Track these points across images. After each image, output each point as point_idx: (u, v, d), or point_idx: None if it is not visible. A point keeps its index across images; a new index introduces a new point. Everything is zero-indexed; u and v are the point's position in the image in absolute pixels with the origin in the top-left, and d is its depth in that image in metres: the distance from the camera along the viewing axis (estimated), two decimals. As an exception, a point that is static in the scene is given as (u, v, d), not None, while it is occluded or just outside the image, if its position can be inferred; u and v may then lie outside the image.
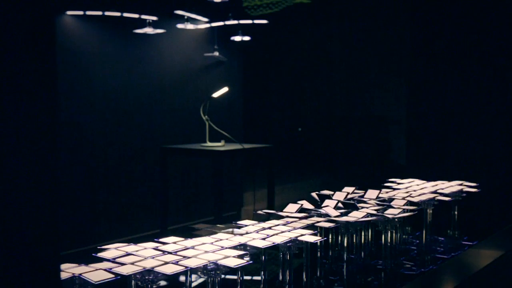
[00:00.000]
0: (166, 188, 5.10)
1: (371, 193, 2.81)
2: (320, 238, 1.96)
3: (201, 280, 2.06)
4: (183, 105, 6.11)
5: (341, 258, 2.46)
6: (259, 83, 10.55)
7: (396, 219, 2.34)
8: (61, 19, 5.11)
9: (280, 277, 2.03)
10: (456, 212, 3.01)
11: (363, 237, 2.48)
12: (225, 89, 5.27)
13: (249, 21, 6.32)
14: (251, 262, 1.76)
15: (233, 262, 1.68)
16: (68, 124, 5.06)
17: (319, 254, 2.24)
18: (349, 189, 2.94)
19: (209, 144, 5.10)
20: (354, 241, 2.44)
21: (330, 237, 2.37)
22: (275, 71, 10.54)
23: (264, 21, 6.45)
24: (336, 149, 9.40)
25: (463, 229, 3.19)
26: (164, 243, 1.88)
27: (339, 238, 2.49)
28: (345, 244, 2.22)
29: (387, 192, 2.86)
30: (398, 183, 3.18)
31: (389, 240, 2.48)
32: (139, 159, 5.65)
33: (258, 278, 2.22)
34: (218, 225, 2.10)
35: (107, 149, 5.37)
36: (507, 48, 7.55)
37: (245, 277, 2.09)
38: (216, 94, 5.19)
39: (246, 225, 2.14)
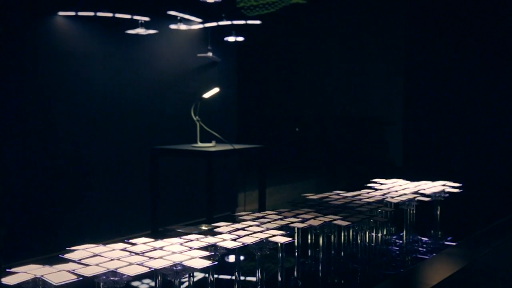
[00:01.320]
0: (157, 189, 5.10)
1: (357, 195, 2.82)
2: (291, 239, 1.95)
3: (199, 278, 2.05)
4: (176, 106, 6.11)
5: (323, 258, 2.45)
6: (254, 83, 10.54)
7: (371, 220, 2.33)
8: (52, 19, 5.11)
9: (258, 278, 2.03)
10: (438, 212, 3.00)
11: (342, 237, 2.47)
12: (216, 90, 5.26)
13: (243, 22, 6.32)
14: (216, 263, 1.75)
15: (199, 263, 1.67)
16: (59, 125, 5.06)
17: (296, 254, 2.23)
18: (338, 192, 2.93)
19: (200, 144, 5.10)
20: (332, 241, 2.43)
21: (309, 237, 2.36)
22: (271, 71, 10.53)
23: (258, 22, 6.44)
24: (332, 149, 9.39)
25: (448, 229, 3.18)
26: (133, 244, 1.87)
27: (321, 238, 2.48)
28: (321, 244, 2.21)
29: (368, 193, 2.85)
30: (381, 184, 3.17)
31: (367, 240, 2.47)
32: (131, 159, 5.64)
33: (253, 278, 2.22)
34: (198, 226, 2.09)
35: (98, 150, 5.37)
36: (505, 48, 7.52)
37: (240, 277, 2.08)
38: (207, 95, 5.19)
39: (220, 226, 2.13)
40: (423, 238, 3.09)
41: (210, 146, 5.03)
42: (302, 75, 10.19)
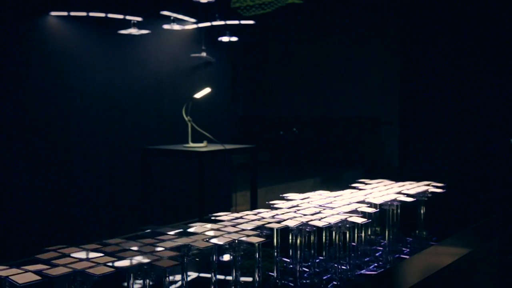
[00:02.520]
0: (149, 189, 5.10)
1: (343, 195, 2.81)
2: (264, 239, 1.94)
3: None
4: (169, 106, 6.11)
5: (304, 259, 2.44)
6: (252, 83, 10.55)
7: (347, 225, 2.33)
8: (44, 20, 5.12)
9: (233, 278, 2.02)
10: (422, 212, 2.99)
11: (323, 237, 2.46)
12: (207, 90, 5.26)
13: (236, 22, 6.32)
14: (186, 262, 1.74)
15: (166, 264, 1.67)
16: (51, 125, 5.06)
17: (275, 254, 2.22)
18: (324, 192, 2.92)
19: (191, 144, 5.10)
20: (312, 241, 2.42)
21: (290, 237, 2.35)
22: (269, 71, 10.52)
23: (251, 22, 6.44)
24: (329, 149, 9.38)
25: (435, 229, 3.17)
26: (106, 245, 1.87)
27: (304, 238, 2.47)
28: (298, 245, 2.20)
29: (351, 193, 2.84)
30: (366, 184, 3.17)
31: (348, 240, 2.46)
32: (124, 159, 5.65)
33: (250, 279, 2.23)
34: (170, 227, 2.09)
35: (90, 149, 5.38)
36: (503, 48, 7.51)
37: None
38: (198, 95, 5.19)
39: (195, 226, 2.13)
40: (408, 238, 3.07)
41: (201, 146, 5.03)
42: (298, 75, 10.19)
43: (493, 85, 7.43)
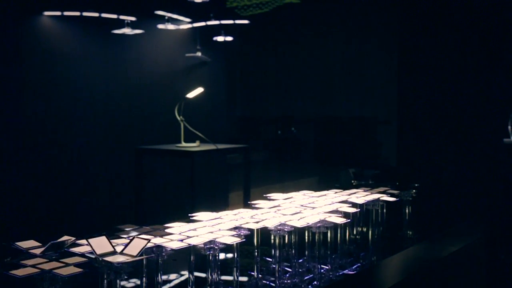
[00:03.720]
0: (141, 188, 5.10)
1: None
2: (240, 239, 1.93)
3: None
4: (164, 106, 6.10)
5: (287, 259, 2.43)
6: (252, 83, 10.54)
7: (326, 225, 2.32)
8: (38, 19, 5.12)
9: (209, 278, 2.02)
10: (407, 211, 2.98)
11: (306, 237, 2.45)
12: (200, 90, 5.25)
13: (231, 21, 6.31)
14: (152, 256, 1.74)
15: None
16: (44, 124, 5.07)
17: (256, 254, 2.22)
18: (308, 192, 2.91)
19: (184, 144, 5.09)
20: (294, 241, 2.42)
21: (273, 237, 2.34)
22: (266, 71, 10.52)
23: (246, 21, 6.43)
24: (327, 149, 9.37)
25: (419, 229, 3.16)
26: (79, 245, 1.86)
27: (287, 238, 2.47)
28: (276, 245, 2.20)
29: (335, 193, 2.83)
30: (352, 183, 3.16)
31: (329, 240, 2.45)
32: (119, 159, 5.65)
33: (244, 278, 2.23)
34: (145, 227, 2.09)
35: (83, 149, 5.38)
36: (501, 48, 7.48)
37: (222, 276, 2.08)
38: (190, 95, 5.18)
39: (173, 226, 2.12)
40: (393, 238, 3.07)
41: (194, 146, 5.02)
42: (297, 75, 10.17)
43: (491, 85, 7.41)
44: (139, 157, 5.07)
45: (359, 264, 2.67)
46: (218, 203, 6.64)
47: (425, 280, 2.61)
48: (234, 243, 1.97)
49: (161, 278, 1.95)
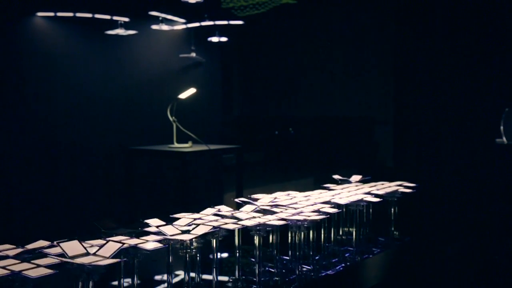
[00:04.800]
0: (132, 189, 5.10)
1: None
2: (214, 240, 1.93)
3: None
4: (158, 106, 6.09)
5: (271, 259, 2.43)
6: (249, 83, 10.54)
7: (305, 224, 2.31)
8: (31, 20, 5.12)
9: (186, 278, 2.01)
10: (393, 211, 2.98)
11: (289, 238, 2.44)
12: (192, 90, 5.25)
13: (225, 22, 6.30)
14: (124, 259, 1.73)
15: (103, 263, 1.66)
16: (37, 124, 5.07)
17: (237, 254, 2.21)
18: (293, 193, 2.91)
19: (176, 145, 5.09)
20: (278, 241, 2.42)
21: (256, 238, 2.34)
22: (262, 71, 10.52)
23: (240, 22, 6.42)
24: (324, 150, 9.36)
25: (406, 230, 3.15)
26: (51, 246, 1.86)
27: (271, 238, 2.46)
28: (257, 245, 2.19)
29: (320, 193, 2.83)
30: (338, 183, 3.16)
31: (311, 240, 2.45)
32: (111, 160, 5.65)
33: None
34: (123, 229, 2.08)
35: (75, 149, 5.38)
36: (498, 48, 7.47)
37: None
38: (183, 95, 5.18)
39: (152, 226, 2.12)
40: (380, 238, 3.06)
41: (186, 147, 5.02)
42: (294, 75, 10.17)
43: (487, 85, 7.40)
44: (131, 158, 5.07)
45: (343, 265, 2.67)
46: (212, 204, 6.63)
47: (407, 281, 2.61)
48: (214, 240, 1.97)
49: (136, 280, 1.94)
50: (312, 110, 9.86)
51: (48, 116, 5.18)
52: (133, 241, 1.93)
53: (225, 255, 2.66)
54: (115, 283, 2.16)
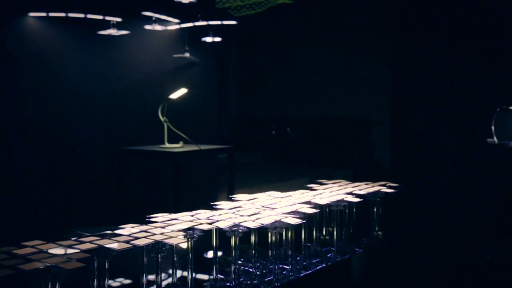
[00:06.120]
0: (125, 189, 5.10)
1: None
2: (183, 241, 1.92)
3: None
4: (152, 107, 6.08)
5: (250, 259, 2.42)
6: (247, 83, 10.54)
7: (277, 225, 2.31)
8: (23, 20, 5.12)
9: (157, 278, 2.01)
10: (375, 211, 2.97)
11: (269, 238, 2.44)
12: (183, 90, 5.24)
13: (218, 22, 6.29)
14: (84, 265, 1.73)
15: (70, 266, 1.65)
16: (28, 125, 5.07)
17: (214, 255, 2.21)
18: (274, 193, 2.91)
19: (167, 145, 5.09)
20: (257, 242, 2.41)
21: (232, 238, 2.33)
22: (262, 72, 10.51)
23: (234, 22, 6.41)
24: (320, 149, 9.34)
25: (397, 230, 3.14)
26: (24, 246, 1.86)
27: (252, 238, 2.46)
28: (233, 245, 2.19)
29: (301, 193, 2.82)
30: (322, 184, 3.15)
31: (290, 240, 2.44)
32: (104, 160, 5.64)
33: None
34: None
35: (67, 150, 5.37)
36: (495, 48, 7.44)
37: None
38: (174, 96, 5.17)
39: (125, 228, 2.11)
40: (363, 239, 3.05)
41: (177, 147, 5.01)
42: (291, 75, 10.16)
43: (483, 85, 7.38)
44: (122, 158, 5.07)
45: (324, 265, 2.66)
46: (206, 204, 6.62)
47: (386, 282, 2.60)
48: (178, 244, 1.96)
49: (107, 281, 1.94)
50: (309, 110, 9.84)
51: (40, 116, 5.18)
52: (103, 242, 1.93)
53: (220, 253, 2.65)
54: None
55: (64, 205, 5.32)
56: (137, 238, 1.98)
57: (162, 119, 5.08)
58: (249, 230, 2.27)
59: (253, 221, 2.26)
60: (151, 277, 2.43)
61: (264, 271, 2.48)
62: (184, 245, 2.07)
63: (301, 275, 2.47)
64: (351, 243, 2.92)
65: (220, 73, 8.22)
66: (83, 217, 5.45)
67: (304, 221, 2.39)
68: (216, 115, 7.16)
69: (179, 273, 2.12)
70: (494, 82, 7.13)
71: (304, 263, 2.63)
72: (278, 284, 2.32)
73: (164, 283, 2.15)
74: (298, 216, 2.38)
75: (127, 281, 2.39)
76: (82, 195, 5.46)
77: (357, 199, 2.74)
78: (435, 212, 4.60)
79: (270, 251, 2.49)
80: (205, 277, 2.31)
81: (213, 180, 6.88)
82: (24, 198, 5.01)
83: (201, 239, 2.20)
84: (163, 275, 2.06)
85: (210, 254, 2.35)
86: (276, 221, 2.28)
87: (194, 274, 2.19)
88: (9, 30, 4.99)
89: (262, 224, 2.22)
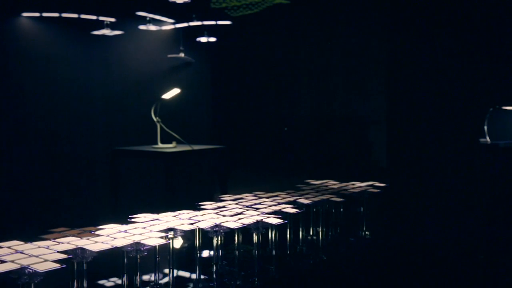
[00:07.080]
0: (118, 189, 5.09)
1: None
2: (164, 241, 1.92)
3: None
4: (146, 107, 6.07)
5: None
6: (244, 83, 10.52)
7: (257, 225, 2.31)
8: (16, 21, 5.11)
9: (137, 279, 2.00)
10: (362, 210, 2.97)
11: (254, 238, 2.44)
12: (176, 91, 5.23)
13: (213, 22, 6.28)
14: (64, 266, 1.73)
15: (45, 266, 1.65)
16: (21, 124, 5.06)
17: (196, 255, 2.21)
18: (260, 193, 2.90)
19: (160, 145, 5.08)
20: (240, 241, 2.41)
21: (219, 238, 2.33)
22: (255, 72, 10.49)
23: (228, 22, 6.40)
24: (317, 150, 9.33)
25: (391, 229, 3.14)
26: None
27: (235, 238, 2.45)
28: (214, 245, 2.19)
29: (289, 193, 2.82)
30: (310, 184, 3.15)
31: (273, 240, 2.44)
32: (97, 160, 5.64)
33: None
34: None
35: (60, 150, 5.36)
36: (492, 47, 7.43)
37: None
38: (166, 96, 5.16)
39: (105, 228, 2.11)
40: (351, 239, 3.05)
41: (170, 147, 5.01)
42: (289, 75, 10.14)
43: (476, 87, 7.37)
44: (115, 158, 5.06)
45: (308, 264, 2.66)
46: (201, 204, 6.61)
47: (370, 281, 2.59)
48: (157, 244, 1.96)
49: (86, 282, 1.94)
50: (306, 110, 9.83)
51: (33, 115, 5.17)
52: (81, 243, 1.92)
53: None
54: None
55: (56, 205, 5.31)
56: (115, 238, 1.98)
57: (155, 119, 5.07)
58: (231, 231, 2.27)
59: (235, 221, 2.26)
60: (146, 277, 2.43)
61: (249, 271, 2.48)
62: (177, 245, 2.07)
63: (286, 273, 2.47)
64: (337, 243, 2.92)
65: (218, 73, 8.21)
66: (74, 216, 5.44)
67: (286, 221, 2.39)
68: (212, 115, 7.15)
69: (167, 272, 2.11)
70: (487, 84, 7.13)
71: (291, 263, 2.63)
72: (261, 283, 2.32)
73: (162, 282, 2.15)
74: (280, 216, 2.38)
75: (109, 283, 2.40)
76: (74, 195, 5.45)
77: (341, 199, 2.73)
78: (427, 211, 4.59)
79: (253, 251, 2.49)
80: (193, 276, 2.30)
81: (208, 181, 6.87)
82: (12, 198, 5.00)
83: (201, 239, 2.21)
84: (154, 275, 2.06)
85: (205, 253, 2.35)
86: (257, 221, 2.28)
87: (176, 273, 2.19)
88: (3, 30, 4.99)
89: (243, 224, 2.22)
